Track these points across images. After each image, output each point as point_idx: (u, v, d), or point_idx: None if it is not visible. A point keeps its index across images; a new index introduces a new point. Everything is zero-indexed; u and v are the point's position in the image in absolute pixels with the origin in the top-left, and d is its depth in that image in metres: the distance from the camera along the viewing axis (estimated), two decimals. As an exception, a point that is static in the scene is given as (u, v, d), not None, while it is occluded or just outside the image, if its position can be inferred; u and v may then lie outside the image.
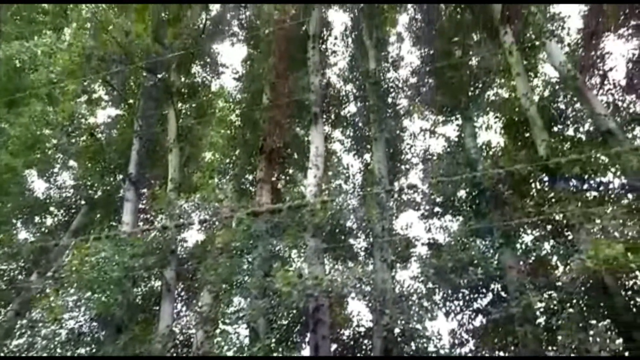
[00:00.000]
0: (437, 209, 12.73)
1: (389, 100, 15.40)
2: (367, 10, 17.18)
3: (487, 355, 10.94)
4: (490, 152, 13.22)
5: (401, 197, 13.69)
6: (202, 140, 15.12)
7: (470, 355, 10.98)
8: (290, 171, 15.75)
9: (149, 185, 15.17)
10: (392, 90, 15.65)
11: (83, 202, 15.76)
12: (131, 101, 15.00)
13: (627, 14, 12.62)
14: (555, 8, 14.20)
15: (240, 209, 10.83)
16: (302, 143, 15.32)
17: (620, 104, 12.61)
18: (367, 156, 15.37)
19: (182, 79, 14.97)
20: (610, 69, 12.60)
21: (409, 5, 16.96)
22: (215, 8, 15.76)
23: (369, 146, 14.91)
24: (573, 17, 14.15)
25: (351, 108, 16.50)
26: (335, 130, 16.52)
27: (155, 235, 11.53)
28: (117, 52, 12.45)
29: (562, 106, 12.80)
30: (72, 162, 16.23)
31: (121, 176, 14.87)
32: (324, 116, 14.98)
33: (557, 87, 12.98)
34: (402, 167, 15.18)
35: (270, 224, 10.54)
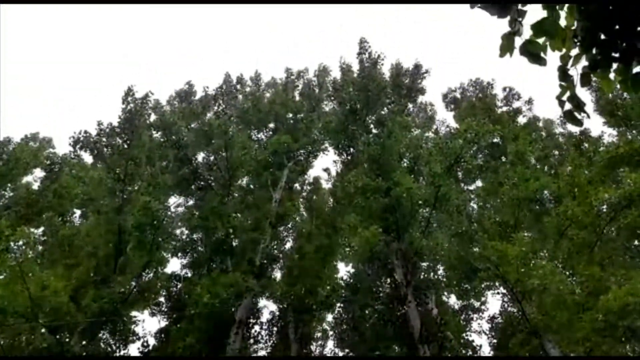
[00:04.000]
0: None
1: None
2: (296, 303, 17.67)
3: None
4: None
5: None
6: None
7: None
8: None
9: None
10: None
11: None
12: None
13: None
14: (469, 336, 15.32)
15: None
16: None
17: None
18: None
19: (83, 343, 13.41)
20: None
21: (337, 307, 17.69)
22: (148, 277, 15.76)
23: None
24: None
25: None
26: None
27: None
28: (23, 304, 11.39)
29: None
30: None
31: None
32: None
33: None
34: None
35: None
